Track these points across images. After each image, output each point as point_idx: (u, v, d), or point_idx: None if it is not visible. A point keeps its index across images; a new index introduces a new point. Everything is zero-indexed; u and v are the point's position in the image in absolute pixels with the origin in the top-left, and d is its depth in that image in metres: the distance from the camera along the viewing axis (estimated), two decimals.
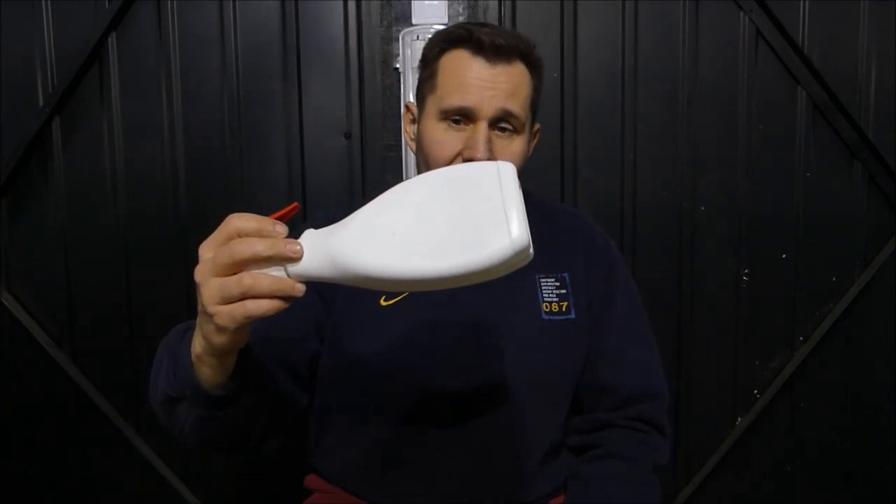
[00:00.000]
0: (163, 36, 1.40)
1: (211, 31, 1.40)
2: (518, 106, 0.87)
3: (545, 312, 0.92)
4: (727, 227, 1.47)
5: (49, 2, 1.38)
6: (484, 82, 0.85)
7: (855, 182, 1.47)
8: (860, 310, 1.50)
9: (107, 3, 1.37)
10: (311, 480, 1.01)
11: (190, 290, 1.42)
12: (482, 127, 0.85)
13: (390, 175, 1.42)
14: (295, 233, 0.58)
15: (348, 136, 1.43)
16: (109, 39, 1.39)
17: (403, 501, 0.91)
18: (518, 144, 0.89)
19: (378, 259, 0.56)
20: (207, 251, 0.57)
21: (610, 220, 1.44)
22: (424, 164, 0.91)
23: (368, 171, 1.43)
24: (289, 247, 0.55)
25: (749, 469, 1.54)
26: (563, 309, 0.93)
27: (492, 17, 1.41)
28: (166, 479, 1.48)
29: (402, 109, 0.99)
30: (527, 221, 0.55)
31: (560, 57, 1.42)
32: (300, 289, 0.56)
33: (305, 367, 0.91)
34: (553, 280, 0.94)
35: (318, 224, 0.96)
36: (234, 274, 0.55)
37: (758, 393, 1.51)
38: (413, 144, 0.96)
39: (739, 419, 1.52)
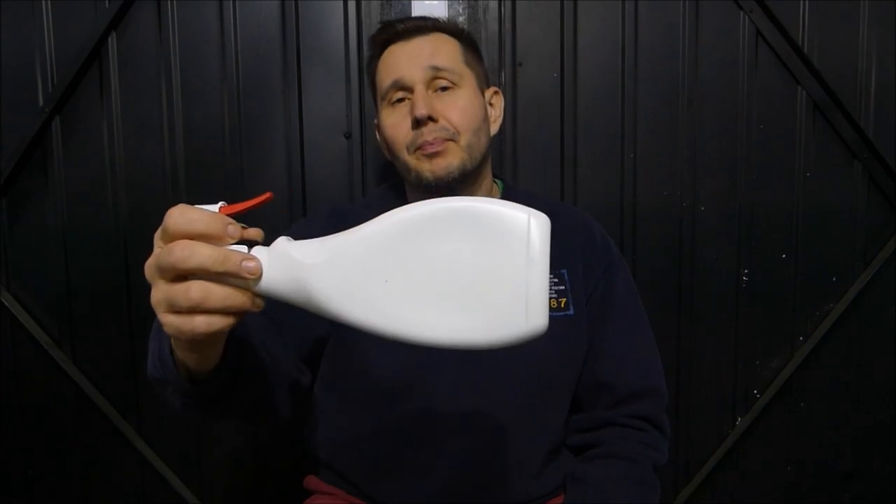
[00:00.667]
0: (163, 36, 1.40)
1: (211, 31, 1.40)
2: (445, 60, 0.91)
3: None
4: (727, 227, 1.47)
5: (49, 2, 1.38)
6: (407, 54, 0.92)
7: (855, 182, 1.47)
8: (860, 310, 1.50)
9: (107, 3, 1.37)
10: (311, 481, 1.01)
11: None
12: (418, 90, 0.90)
13: (390, 175, 1.42)
14: (273, 236, 0.52)
15: (348, 136, 1.43)
16: (109, 39, 1.39)
17: (403, 500, 0.91)
18: (463, 98, 0.92)
19: (359, 309, 0.47)
20: (157, 244, 0.49)
21: (610, 220, 1.44)
22: (395, 159, 0.95)
23: (368, 171, 1.44)
24: (245, 264, 0.46)
25: (749, 469, 1.54)
26: (562, 305, 0.93)
27: (492, 17, 1.41)
28: (166, 479, 1.48)
29: (374, 127, 1.04)
30: (548, 297, 0.47)
31: (560, 57, 1.42)
32: (259, 304, 0.49)
33: (311, 345, 0.90)
34: (552, 277, 0.94)
35: (319, 218, 0.96)
36: (182, 279, 0.47)
37: (758, 393, 1.51)
38: (387, 153, 1.00)
39: (739, 419, 1.52)
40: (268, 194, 0.53)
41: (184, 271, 0.46)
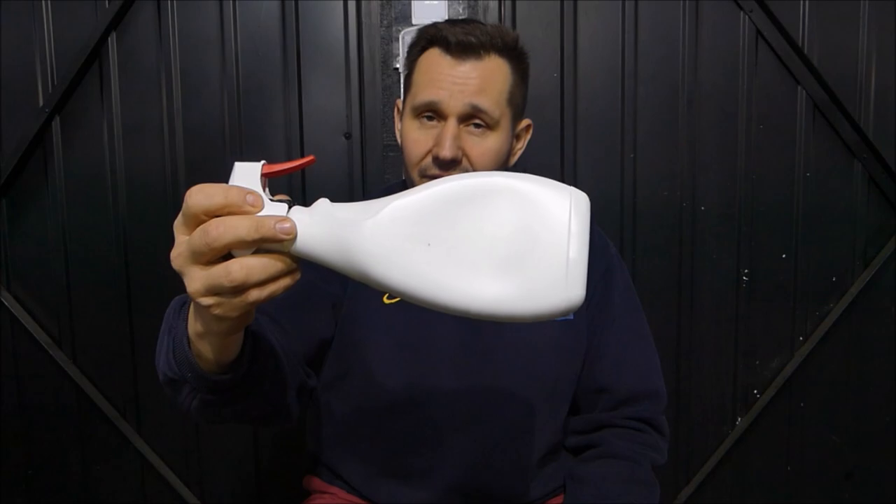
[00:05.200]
0: (163, 36, 1.40)
1: (211, 31, 1.40)
2: (489, 101, 0.85)
3: None
4: (727, 227, 1.47)
5: (49, 2, 1.38)
6: (452, 78, 0.85)
7: (855, 182, 1.47)
8: (860, 310, 1.50)
9: (107, 3, 1.37)
10: (311, 481, 1.01)
11: None
12: (451, 123, 0.85)
13: (390, 175, 1.42)
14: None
15: (348, 136, 1.43)
16: (109, 39, 1.39)
17: (403, 501, 0.91)
18: (492, 142, 0.87)
19: (400, 271, 0.47)
20: (180, 232, 0.48)
21: (610, 220, 1.44)
22: (404, 166, 0.92)
23: (368, 171, 1.44)
24: (279, 226, 0.46)
25: (749, 469, 1.54)
26: None
27: (492, 17, 1.41)
28: (166, 480, 1.48)
29: (394, 109, 0.99)
30: (586, 270, 0.48)
31: (560, 57, 1.42)
32: (296, 273, 0.49)
33: (316, 347, 0.89)
34: None
35: None
36: (218, 261, 0.47)
37: (758, 393, 1.51)
38: (401, 142, 0.96)
39: (739, 419, 1.52)
40: (311, 157, 0.53)
41: (221, 249, 0.46)
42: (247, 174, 0.50)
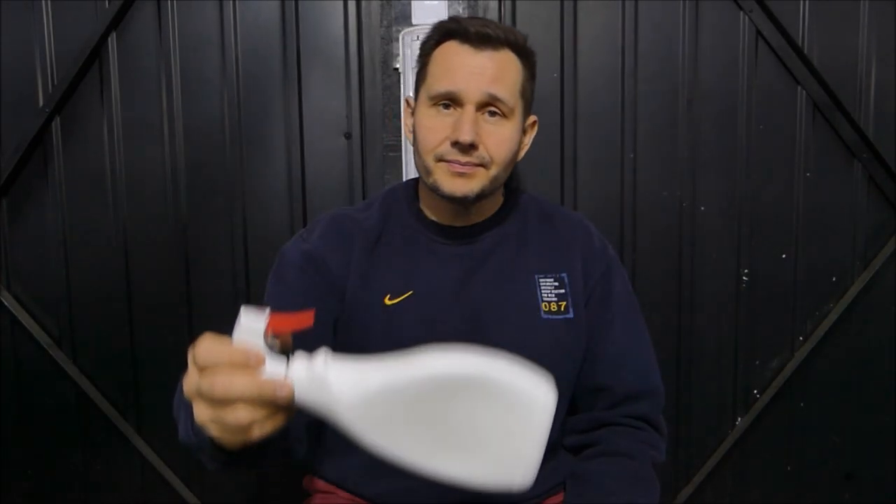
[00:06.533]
0: (163, 36, 1.40)
1: (211, 32, 1.40)
2: (505, 90, 0.88)
3: (544, 312, 0.92)
4: (727, 227, 1.47)
5: (49, 2, 1.38)
6: (470, 67, 0.87)
7: (855, 182, 1.47)
8: (860, 310, 1.50)
9: (107, 3, 1.37)
10: (310, 481, 1.01)
11: (190, 290, 1.42)
12: (469, 110, 0.87)
13: (390, 175, 1.43)
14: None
15: (348, 136, 1.43)
16: (109, 39, 1.39)
17: (403, 500, 0.91)
18: (507, 130, 0.90)
19: (375, 441, 0.57)
20: (190, 362, 0.54)
21: (610, 220, 1.44)
22: (418, 154, 0.92)
23: (368, 171, 1.44)
24: (278, 391, 0.54)
25: (749, 469, 1.54)
26: (562, 308, 0.93)
27: (492, 17, 1.41)
28: (166, 479, 1.48)
29: (403, 104, 1.00)
30: (539, 462, 0.57)
31: (560, 57, 1.42)
32: (292, 413, 0.56)
33: None
34: (552, 280, 0.94)
35: (319, 227, 0.96)
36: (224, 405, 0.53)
37: (758, 393, 1.51)
38: (411, 137, 0.98)
39: (739, 419, 1.52)
40: (310, 315, 0.58)
41: (226, 401, 0.53)
42: (251, 326, 0.55)
